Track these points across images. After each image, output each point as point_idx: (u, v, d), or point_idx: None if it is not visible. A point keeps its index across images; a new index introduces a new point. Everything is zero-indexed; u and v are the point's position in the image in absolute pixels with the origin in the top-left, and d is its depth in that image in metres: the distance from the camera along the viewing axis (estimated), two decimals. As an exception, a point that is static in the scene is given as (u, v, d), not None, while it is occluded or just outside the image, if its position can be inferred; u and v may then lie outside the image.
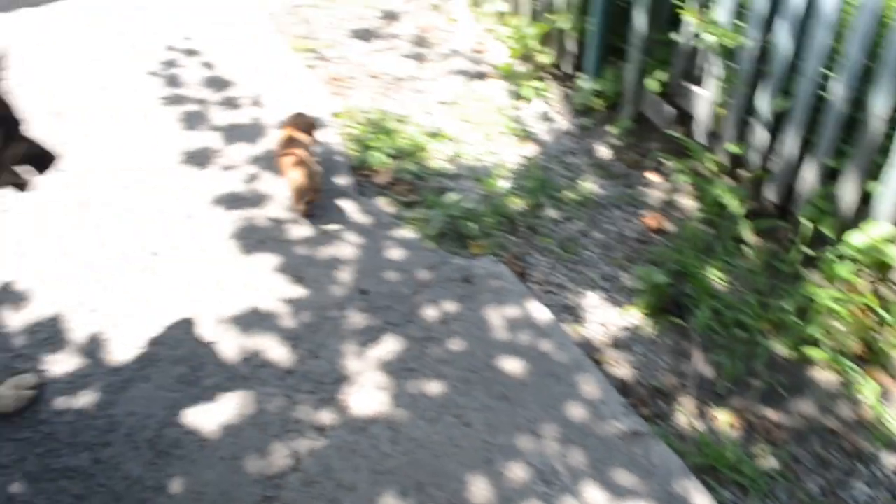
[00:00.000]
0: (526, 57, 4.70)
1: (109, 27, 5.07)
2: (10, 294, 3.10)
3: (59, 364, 2.81)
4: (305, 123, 3.71)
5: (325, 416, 2.65)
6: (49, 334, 2.93)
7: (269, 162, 3.84)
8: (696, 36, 3.56)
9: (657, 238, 3.58)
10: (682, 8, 3.61)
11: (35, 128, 2.47)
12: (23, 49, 4.80)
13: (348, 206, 3.59)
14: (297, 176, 3.40)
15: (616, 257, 3.48)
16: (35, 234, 3.41)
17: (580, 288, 3.32)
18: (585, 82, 4.33)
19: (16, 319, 2.99)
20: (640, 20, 3.79)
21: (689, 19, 3.53)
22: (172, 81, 4.51)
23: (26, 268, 3.21)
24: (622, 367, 3.00)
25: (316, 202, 3.53)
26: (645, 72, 3.95)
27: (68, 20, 5.18)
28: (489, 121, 4.28)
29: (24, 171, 2.49)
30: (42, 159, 2.52)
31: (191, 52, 4.77)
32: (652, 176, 3.91)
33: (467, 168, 3.95)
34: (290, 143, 3.57)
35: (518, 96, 4.47)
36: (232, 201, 3.61)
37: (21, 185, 2.53)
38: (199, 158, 3.89)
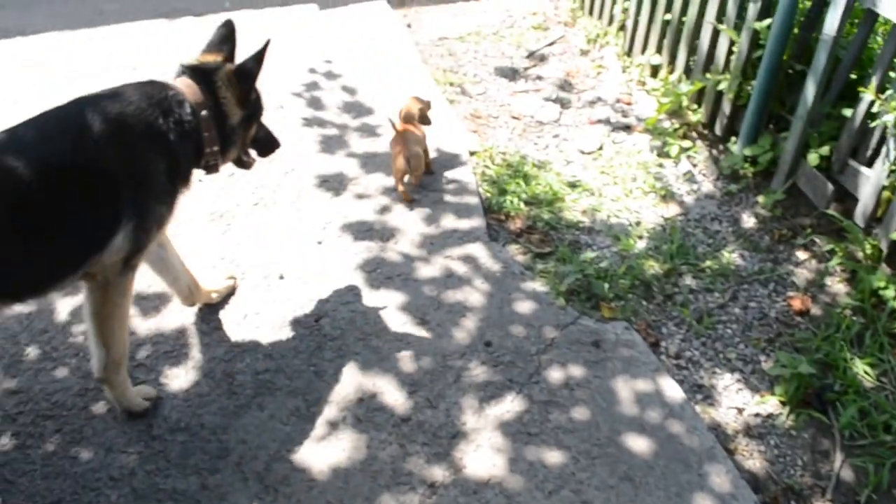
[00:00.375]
0: (674, 113, 4.51)
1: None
2: (137, 301, 3.12)
3: (178, 379, 2.80)
4: (420, 106, 3.89)
5: (438, 472, 2.52)
6: (171, 347, 2.93)
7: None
8: (872, 114, 3.30)
9: (802, 322, 3.31)
10: (860, 83, 3.37)
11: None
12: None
13: (478, 251, 3.48)
14: (396, 160, 3.62)
15: (756, 338, 3.24)
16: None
17: (715, 367, 3.10)
18: (737, 147, 4.11)
19: (142, 328, 3.01)
20: (810, 90, 3.56)
21: (868, 97, 3.28)
22: (314, 103, 4.54)
23: (153, 276, 3.24)
24: (755, 460, 2.76)
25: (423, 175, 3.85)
26: (806, 144, 3.71)
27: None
28: (630, 176, 4.11)
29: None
30: (270, 145, 2.90)
31: (333, 75, 4.81)
32: (801, 254, 3.65)
33: (604, 223, 3.79)
34: (404, 124, 3.80)
35: (663, 153, 4.28)
36: (363, 231, 3.57)
37: (247, 165, 2.91)
38: (334, 184, 3.88)
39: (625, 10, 5.13)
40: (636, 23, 5.02)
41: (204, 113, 2.51)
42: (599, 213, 3.85)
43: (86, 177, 2.20)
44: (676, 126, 4.47)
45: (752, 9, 3.93)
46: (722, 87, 4.15)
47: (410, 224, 3.62)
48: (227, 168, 3.87)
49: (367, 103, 4.55)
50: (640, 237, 3.72)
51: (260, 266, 3.34)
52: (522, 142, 4.40)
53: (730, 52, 4.18)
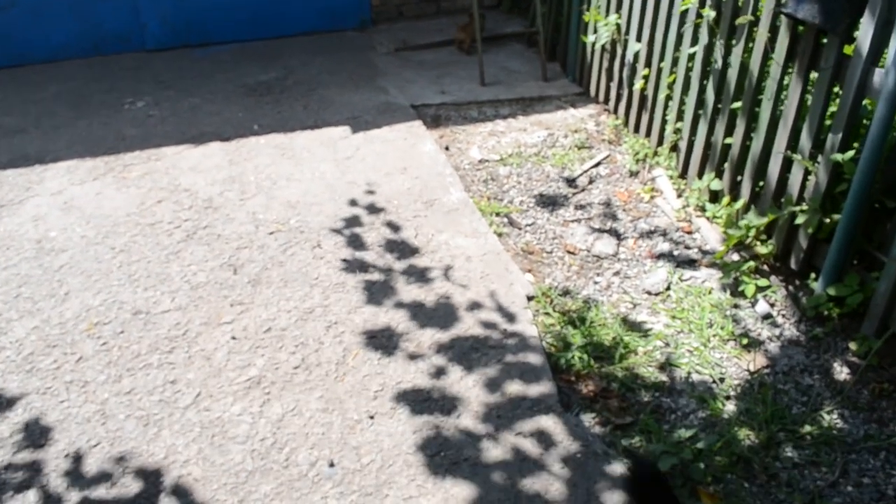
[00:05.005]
0: (741, 244, 4.16)
1: (291, 176, 4.90)
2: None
3: None
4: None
5: None
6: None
7: (461, 353, 3.41)
8: None
9: (926, 500, 2.87)
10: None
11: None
12: (202, 187, 4.67)
13: (552, 425, 3.08)
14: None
15: (877, 524, 2.80)
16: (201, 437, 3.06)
17: (837, 566, 2.65)
18: (819, 285, 3.74)
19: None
20: (915, 235, 3.21)
21: None
22: (354, 241, 4.21)
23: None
24: None
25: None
26: (906, 288, 3.34)
27: (256, 156, 5.06)
28: (706, 321, 3.73)
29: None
30: None
31: (375, 209, 4.50)
32: (909, 413, 3.23)
33: (685, 381, 3.39)
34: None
35: (737, 292, 3.91)
36: (419, 402, 3.18)
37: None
38: (382, 340, 3.51)
39: (677, 131, 4.84)
40: (690, 144, 4.72)
41: None
42: (678, 369, 3.46)
43: None
44: (745, 258, 4.11)
45: (832, 139, 3.62)
46: (799, 220, 3.81)
47: (472, 390, 3.23)
48: (263, 324, 3.55)
49: (410, 241, 4.22)
50: (728, 397, 3.32)
51: (303, 452, 2.94)
52: (581, 280, 4.04)
53: (804, 181, 3.86)
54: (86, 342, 3.58)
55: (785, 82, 3.99)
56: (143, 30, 6.93)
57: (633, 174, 5.02)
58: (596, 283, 4.03)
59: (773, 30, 3.97)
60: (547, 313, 3.73)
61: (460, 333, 3.55)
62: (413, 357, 3.42)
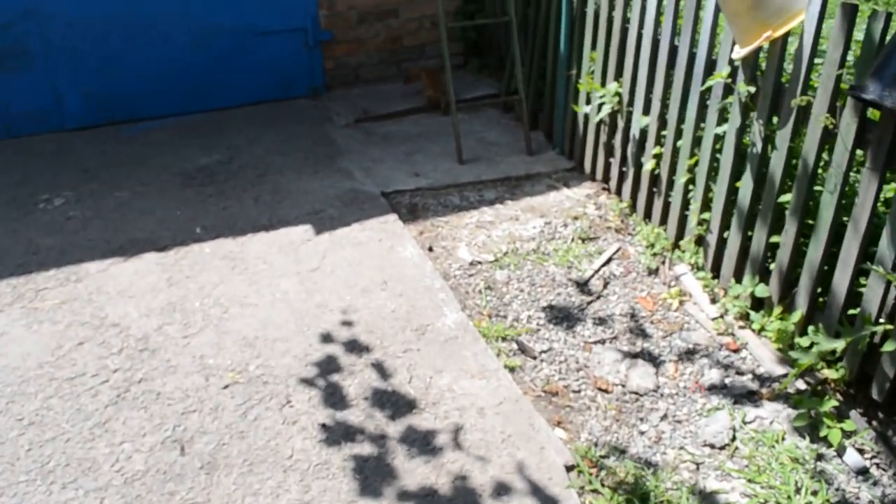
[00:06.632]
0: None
1: (245, 299, 4.00)
2: None
3: None
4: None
5: None
6: None
7: (494, 573, 2.56)
8: None
9: None
10: None
11: None
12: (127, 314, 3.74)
13: None
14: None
15: None
16: None
17: None
18: (920, 428, 3.01)
19: None
20: None
21: None
22: (333, 396, 3.34)
23: None
24: None
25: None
26: None
27: (200, 271, 4.14)
28: (790, 485, 2.95)
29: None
30: None
31: (355, 344, 3.63)
32: None
33: (787, 587, 2.59)
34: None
35: (816, 437, 3.15)
36: None
37: None
38: (388, 555, 2.64)
39: (702, 223, 4.11)
40: (722, 239, 3.99)
41: None
42: (774, 567, 2.66)
43: None
44: (814, 387, 3.38)
45: (927, 251, 2.92)
46: (886, 348, 3.09)
47: None
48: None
49: (405, 390, 3.36)
50: None
51: None
52: (623, 430, 3.23)
53: (885, 296, 3.14)
54: (-18, 577, 2.62)
55: (851, 177, 3.30)
56: (61, 106, 5.96)
57: (652, 272, 4.27)
58: (642, 432, 3.24)
59: (832, 110, 3.27)
60: (595, 490, 2.91)
61: (488, 537, 2.70)
62: (433, 582, 2.55)
